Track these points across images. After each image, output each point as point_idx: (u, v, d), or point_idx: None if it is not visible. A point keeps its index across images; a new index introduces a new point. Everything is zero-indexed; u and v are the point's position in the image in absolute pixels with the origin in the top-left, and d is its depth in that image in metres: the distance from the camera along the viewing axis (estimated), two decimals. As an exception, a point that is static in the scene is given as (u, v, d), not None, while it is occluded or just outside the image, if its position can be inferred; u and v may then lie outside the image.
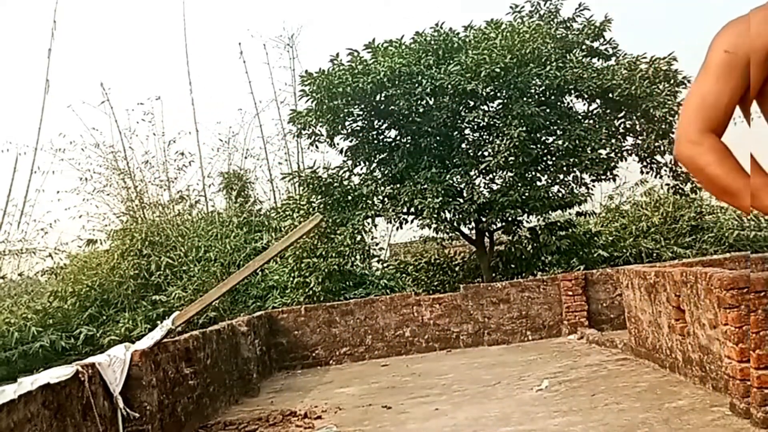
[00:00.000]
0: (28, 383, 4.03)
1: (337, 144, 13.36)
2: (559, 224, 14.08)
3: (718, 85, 1.76)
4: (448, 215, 12.72)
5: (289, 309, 11.73)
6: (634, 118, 13.07)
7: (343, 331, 11.51)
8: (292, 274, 13.11)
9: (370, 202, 12.86)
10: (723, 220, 15.28)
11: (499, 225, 13.49)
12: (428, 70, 12.18)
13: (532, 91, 12.74)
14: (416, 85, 12.14)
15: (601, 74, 12.64)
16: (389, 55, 12.12)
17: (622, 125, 13.31)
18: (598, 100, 13.24)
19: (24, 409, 3.90)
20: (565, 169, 12.81)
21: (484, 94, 12.37)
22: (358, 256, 13.80)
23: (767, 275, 5.11)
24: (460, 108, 12.52)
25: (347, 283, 13.53)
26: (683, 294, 6.54)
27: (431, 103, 12.51)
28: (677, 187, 13.53)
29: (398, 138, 13.22)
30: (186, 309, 7.12)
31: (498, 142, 11.94)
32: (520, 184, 12.69)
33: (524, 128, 11.85)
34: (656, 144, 12.78)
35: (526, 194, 12.62)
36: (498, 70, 11.80)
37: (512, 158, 11.90)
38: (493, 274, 13.73)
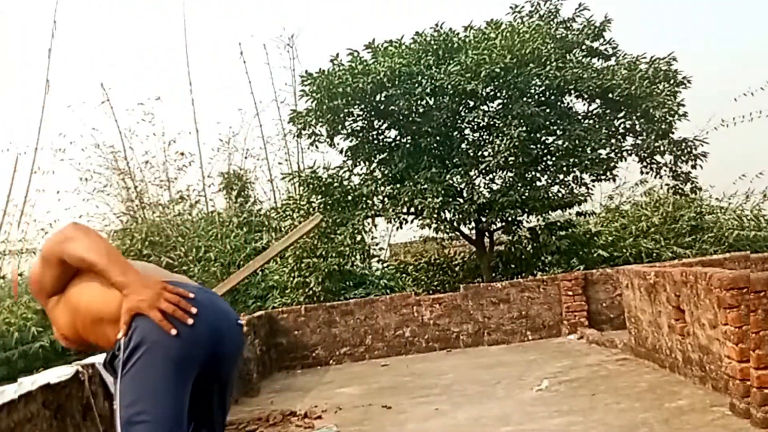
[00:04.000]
0: (28, 383, 4.02)
1: (337, 144, 13.38)
2: (558, 224, 14.09)
3: None
4: (448, 215, 12.73)
5: (289, 309, 11.73)
6: (634, 118, 13.07)
7: (343, 331, 11.51)
8: (292, 274, 13.10)
9: (370, 202, 12.86)
10: (723, 220, 15.26)
11: (499, 225, 13.49)
12: (428, 70, 12.19)
13: (532, 91, 12.75)
14: (416, 85, 12.14)
15: (601, 74, 12.65)
16: (389, 55, 12.13)
17: (621, 125, 13.32)
18: (598, 100, 13.25)
19: (24, 409, 3.90)
20: (565, 169, 12.81)
21: (484, 94, 12.38)
22: (358, 256, 13.79)
23: (767, 275, 5.11)
24: (460, 108, 12.53)
25: (347, 283, 13.50)
26: (683, 294, 6.54)
27: (431, 103, 12.51)
28: (677, 187, 13.54)
29: (398, 138, 13.23)
30: (186, 309, 7.11)
31: (498, 142, 11.95)
32: (520, 184, 12.70)
33: (524, 128, 11.85)
34: (656, 144, 12.79)
35: (526, 194, 12.63)
36: (498, 70, 11.81)
37: (512, 158, 11.91)
38: (493, 274, 13.74)
